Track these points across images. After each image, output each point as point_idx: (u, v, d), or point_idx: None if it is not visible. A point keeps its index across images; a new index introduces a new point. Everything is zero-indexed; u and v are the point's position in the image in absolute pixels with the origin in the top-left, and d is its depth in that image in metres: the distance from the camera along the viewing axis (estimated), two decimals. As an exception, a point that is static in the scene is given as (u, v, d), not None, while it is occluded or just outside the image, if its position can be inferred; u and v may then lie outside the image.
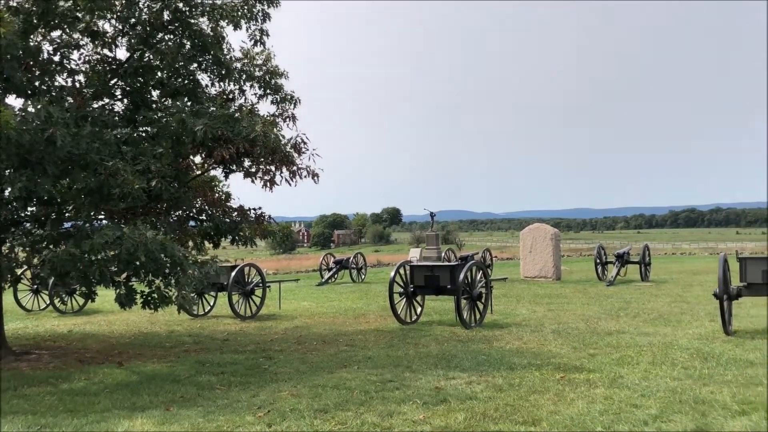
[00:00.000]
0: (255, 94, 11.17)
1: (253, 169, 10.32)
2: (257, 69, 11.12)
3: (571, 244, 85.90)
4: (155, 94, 10.66)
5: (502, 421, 6.05)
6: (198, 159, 10.84)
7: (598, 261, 22.20)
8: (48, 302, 15.96)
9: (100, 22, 10.06)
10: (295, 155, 10.28)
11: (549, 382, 7.50)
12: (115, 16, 9.93)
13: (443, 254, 28.36)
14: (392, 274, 12.48)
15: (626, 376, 7.75)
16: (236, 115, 9.94)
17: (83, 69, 10.33)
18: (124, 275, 8.82)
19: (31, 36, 9.39)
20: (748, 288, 10.76)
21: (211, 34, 10.52)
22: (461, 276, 11.83)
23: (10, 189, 8.10)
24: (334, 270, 24.65)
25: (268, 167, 10.21)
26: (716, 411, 6.21)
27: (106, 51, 10.41)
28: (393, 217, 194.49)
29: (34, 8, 8.97)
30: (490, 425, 5.93)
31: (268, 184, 10.23)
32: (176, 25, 10.24)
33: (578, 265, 31.12)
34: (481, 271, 12.77)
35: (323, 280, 24.01)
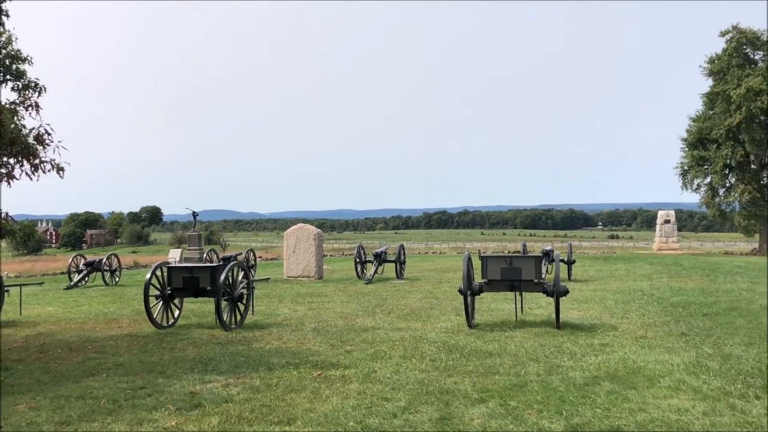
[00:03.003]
0: (-8, 79, 10.14)
1: (-12, 162, 9.35)
2: (-5, 52, 10.10)
3: (334, 243, 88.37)
4: None
5: (257, 422, 6.02)
6: None
7: (357, 260, 22.97)
8: None
9: None
10: (39, 147, 9.47)
11: (306, 380, 7.60)
12: None
13: (205, 255, 27.70)
14: (148, 276, 11.93)
15: (379, 370, 8.08)
16: (-32, 100, 8.95)
17: None
18: None
19: None
20: (489, 284, 11.55)
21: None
22: (222, 277, 11.63)
23: None
24: (85, 272, 23.10)
25: (6, 160, 9.30)
26: (459, 400, 6.67)
27: None
28: (153, 216, 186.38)
29: None
30: (244, 427, 5.87)
31: (6, 178, 9.32)
32: None
33: (340, 264, 32.00)
34: (243, 272, 12.66)
35: (72, 284, 22.36)
